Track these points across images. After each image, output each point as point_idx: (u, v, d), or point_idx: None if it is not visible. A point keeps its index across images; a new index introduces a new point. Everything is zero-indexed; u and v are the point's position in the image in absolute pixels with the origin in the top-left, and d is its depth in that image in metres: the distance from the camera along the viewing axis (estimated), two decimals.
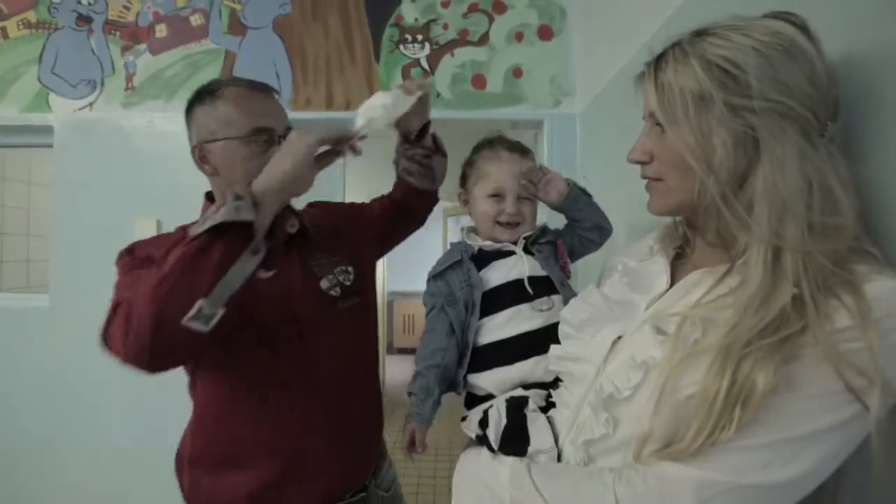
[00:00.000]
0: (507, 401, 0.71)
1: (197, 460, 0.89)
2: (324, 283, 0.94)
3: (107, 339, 0.69)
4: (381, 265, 4.52)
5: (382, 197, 1.17)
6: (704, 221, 0.58)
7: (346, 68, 1.87)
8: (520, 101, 1.84)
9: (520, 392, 0.73)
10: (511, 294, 0.80)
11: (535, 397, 0.72)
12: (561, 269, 0.85)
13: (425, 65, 1.86)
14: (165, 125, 1.86)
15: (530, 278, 0.81)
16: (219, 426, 0.89)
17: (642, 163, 0.60)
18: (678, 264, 0.64)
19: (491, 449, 0.67)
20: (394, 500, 1.04)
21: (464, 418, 0.78)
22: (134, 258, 0.85)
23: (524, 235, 0.86)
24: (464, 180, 0.93)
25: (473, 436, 0.72)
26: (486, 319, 0.80)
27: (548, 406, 0.70)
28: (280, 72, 1.87)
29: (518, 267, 0.82)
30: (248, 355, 0.86)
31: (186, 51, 1.88)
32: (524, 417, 0.67)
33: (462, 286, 0.81)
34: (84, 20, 1.90)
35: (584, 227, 0.91)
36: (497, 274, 0.82)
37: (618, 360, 0.57)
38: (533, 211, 0.89)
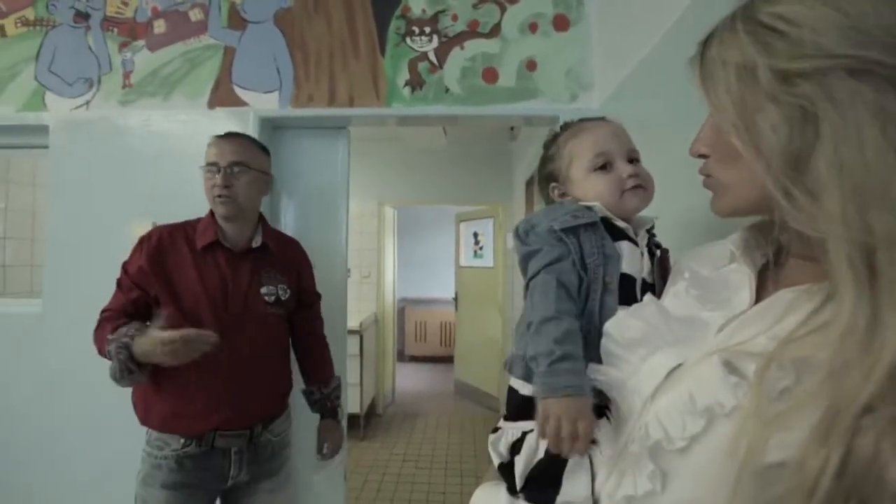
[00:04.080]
0: None
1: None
2: (263, 290, 1.30)
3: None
4: (390, 271, 4.41)
5: (309, 300, 1.49)
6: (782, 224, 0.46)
7: (350, 63, 1.77)
8: (534, 95, 1.73)
9: None
10: (623, 290, 0.64)
11: None
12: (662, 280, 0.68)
13: (433, 58, 1.76)
14: (163, 123, 1.79)
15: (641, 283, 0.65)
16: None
17: (703, 156, 0.50)
18: (763, 277, 0.51)
19: (512, 488, 0.54)
20: (282, 443, 1.39)
21: (496, 429, 0.63)
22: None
23: (646, 228, 0.70)
24: (550, 176, 0.76)
25: (496, 462, 0.59)
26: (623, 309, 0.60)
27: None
28: (281, 67, 1.79)
29: (637, 261, 0.66)
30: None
31: (185, 47, 1.81)
32: (564, 460, 0.53)
33: (595, 254, 0.63)
34: (82, 17, 1.84)
35: None
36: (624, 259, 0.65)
37: (670, 396, 0.45)
38: (649, 176, 0.72)
